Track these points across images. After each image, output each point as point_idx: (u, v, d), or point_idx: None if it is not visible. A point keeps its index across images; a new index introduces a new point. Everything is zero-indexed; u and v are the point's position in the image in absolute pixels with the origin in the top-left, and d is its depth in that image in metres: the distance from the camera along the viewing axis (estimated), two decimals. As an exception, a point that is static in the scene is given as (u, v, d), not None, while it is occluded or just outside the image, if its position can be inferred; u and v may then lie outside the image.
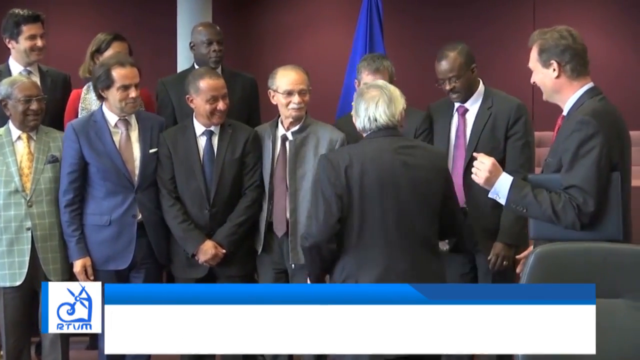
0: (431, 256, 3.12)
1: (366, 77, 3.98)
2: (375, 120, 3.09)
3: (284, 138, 3.88)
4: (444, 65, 3.84)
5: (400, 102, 3.16)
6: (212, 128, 3.91)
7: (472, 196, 3.81)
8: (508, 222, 3.76)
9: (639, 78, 7.22)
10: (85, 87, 4.29)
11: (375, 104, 3.09)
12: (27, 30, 4.29)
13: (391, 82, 3.95)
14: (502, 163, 3.73)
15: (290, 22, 7.60)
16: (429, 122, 3.99)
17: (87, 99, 4.29)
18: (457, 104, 3.92)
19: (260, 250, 3.90)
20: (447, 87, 3.85)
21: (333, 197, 3.02)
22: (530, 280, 2.73)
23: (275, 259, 3.88)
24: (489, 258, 3.81)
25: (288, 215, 3.82)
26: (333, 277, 3.13)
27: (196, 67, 4.60)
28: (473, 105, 3.89)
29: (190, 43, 4.67)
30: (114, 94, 3.79)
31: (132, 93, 3.78)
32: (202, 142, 3.91)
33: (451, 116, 3.94)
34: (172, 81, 4.52)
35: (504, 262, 3.77)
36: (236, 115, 4.11)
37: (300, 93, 3.80)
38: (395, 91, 3.17)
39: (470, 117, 3.89)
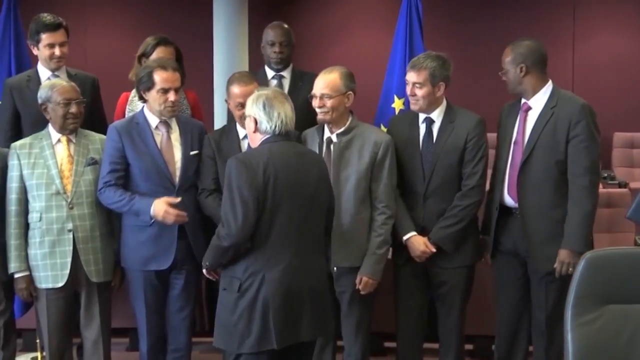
0: (318, 253, 3.36)
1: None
2: (286, 124, 3.27)
3: (329, 140, 3.87)
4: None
5: None
6: None
7: (525, 196, 3.77)
8: (572, 228, 3.68)
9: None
10: (134, 89, 4.32)
11: (285, 109, 3.28)
12: (45, 38, 4.30)
13: (432, 80, 3.86)
14: (562, 165, 3.70)
15: (327, 24, 7.59)
16: (482, 127, 3.90)
17: (134, 102, 4.35)
18: (523, 100, 3.86)
19: None
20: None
21: (250, 198, 3.14)
22: (580, 285, 2.68)
23: None
24: (554, 266, 3.72)
25: None
26: (234, 273, 3.23)
27: (266, 68, 4.64)
28: (537, 104, 3.82)
29: (261, 44, 4.70)
30: (153, 96, 3.81)
31: (171, 97, 3.79)
32: (244, 144, 3.92)
33: (517, 113, 3.89)
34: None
35: (570, 270, 3.66)
36: (303, 114, 4.02)
37: (321, 98, 3.80)
38: None
39: (533, 115, 3.82)
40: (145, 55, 4.39)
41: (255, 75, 4.19)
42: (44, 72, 4.39)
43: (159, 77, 3.78)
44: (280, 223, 3.19)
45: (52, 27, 4.30)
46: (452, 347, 4.00)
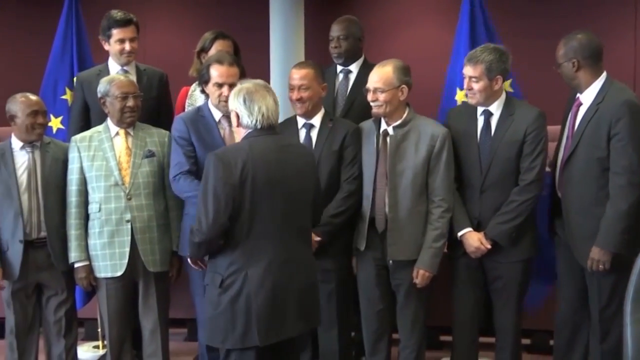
0: (305, 244, 3.36)
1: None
2: (268, 118, 3.23)
3: (385, 133, 3.85)
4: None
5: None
6: (312, 121, 3.94)
7: (567, 191, 3.73)
8: (605, 226, 3.61)
9: None
10: (194, 84, 4.39)
11: (267, 102, 3.23)
12: (116, 33, 4.40)
13: (488, 74, 3.81)
14: (605, 162, 3.62)
15: (386, 16, 7.53)
16: (542, 120, 3.82)
17: (193, 96, 4.43)
18: (578, 94, 3.80)
19: (363, 247, 3.89)
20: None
21: (223, 196, 3.11)
22: (638, 285, 2.63)
23: (377, 255, 3.87)
24: (588, 261, 3.67)
25: (387, 210, 3.80)
26: (216, 269, 3.22)
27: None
28: (587, 99, 3.75)
29: None
30: (210, 90, 3.86)
31: (225, 92, 3.80)
32: (302, 134, 3.95)
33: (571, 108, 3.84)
34: None
35: (600, 267, 3.62)
36: (369, 109, 3.99)
37: (374, 91, 3.79)
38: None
39: (582, 111, 3.75)
40: (204, 50, 4.46)
41: (326, 70, 4.20)
42: (114, 66, 4.50)
43: (215, 71, 3.82)
44: (261, 220, 3.16)
45: (123, 23, 4.40)
46: (508, 341, 3.95)
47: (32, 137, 3.94)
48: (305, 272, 3.31)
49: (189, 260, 3.58)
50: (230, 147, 3.31)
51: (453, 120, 3.99)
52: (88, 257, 3.92)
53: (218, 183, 3.12)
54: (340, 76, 4.61)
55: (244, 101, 3.23)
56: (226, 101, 3.82)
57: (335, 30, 4.57)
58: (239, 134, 3.32)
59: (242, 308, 3.15)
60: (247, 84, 3.32)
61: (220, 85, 3.82)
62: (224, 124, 3.90)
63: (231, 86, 3.82)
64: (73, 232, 3.91)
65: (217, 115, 3.90)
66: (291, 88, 3.92)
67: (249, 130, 3.25)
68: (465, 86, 3.86)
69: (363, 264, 3.93)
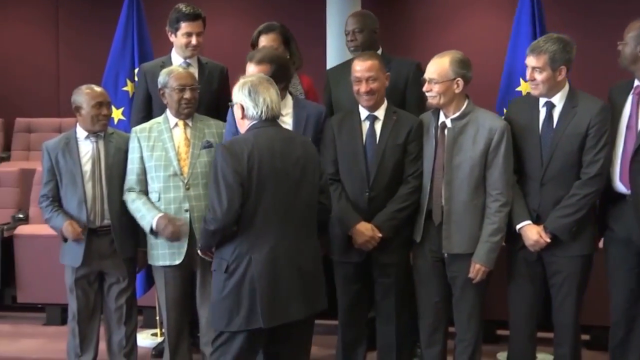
0: (308, 233, 3.42)
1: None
2: (272, 109, 3.33)
3: (443, 125, 3.83)
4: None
5: None
6: (375, 113, 3.93)
7: (638, 183, 3.64)
8: None
9: None
10: None
11: (271, 94, 3.34)
12: (184, 27, 4.46)
13: (552, 64, 3.75)
14: None
15: (442, 7, 7.48)
16: (606, 113, 3.73)
17: None
18: (636, 82, 3.72)
19: (419, 239, 3.88)
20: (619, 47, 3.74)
21: (235, 184, 3.22)
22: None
23: (433, 248, 3.85)
24: None
25: (443, 203, 3.78)
26: (222, 255, 3.33)
27: None
28: None
29: None
30: None
31: None
32: (365, 126, 3.94)
33: (627, 95, 3.74)
34: (335, 71, 4.63)
35: None
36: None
37: (429, 82, 3.79)
38: None
39: None
40: (253, 44, 4.52)
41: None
42: (176, 58, 4.56)
43: (248, 68, 3.86)
44: (265, 207, 3.26)
45: (192, 17, 4.46)
46: (567, 337, 3.88)
47: (96, 127, 4.03)
48: (306, 259, 3.38)
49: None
50: (237, 138, 3.41)
51: (514, 111, 3.94)
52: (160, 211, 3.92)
53: (228, 172, 3.23)
54: None
55: (249, 93, 3.34)
56: None
57: (351, 24, 4.55)
58: (242, 127, 3.40)
59: (246, 291, 3.25)
60: (250, 77, 3.43)
61: None
62: None
63: None
64: (138, 206, 3.92)
65: None
66: (357, 80, 3.89)
67: (253, 122, 3.35)
68: (527, 77, 3.81)
69: (420, 256, 3.92)
